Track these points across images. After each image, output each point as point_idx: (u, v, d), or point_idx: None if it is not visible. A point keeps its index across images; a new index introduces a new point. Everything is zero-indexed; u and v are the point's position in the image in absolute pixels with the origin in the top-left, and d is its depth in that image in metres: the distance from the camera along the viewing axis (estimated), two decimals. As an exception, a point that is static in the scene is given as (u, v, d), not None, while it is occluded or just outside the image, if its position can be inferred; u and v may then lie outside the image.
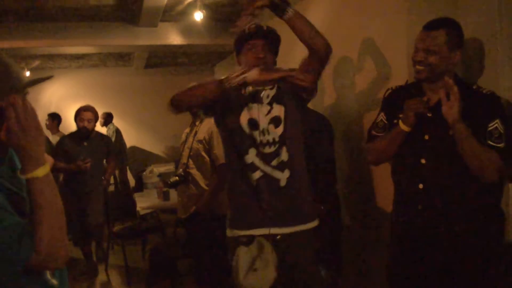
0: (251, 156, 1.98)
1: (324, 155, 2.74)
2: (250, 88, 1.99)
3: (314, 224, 2.04)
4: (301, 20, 1.87)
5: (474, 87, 1.86)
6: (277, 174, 1.97)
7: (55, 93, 7.64)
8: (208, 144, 3.19)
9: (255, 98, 2.02)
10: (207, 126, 3.22)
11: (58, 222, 1.17)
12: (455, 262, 1.82)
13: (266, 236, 1.94)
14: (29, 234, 1.11)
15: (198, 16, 4.65)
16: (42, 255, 1.11)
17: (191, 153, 3.23)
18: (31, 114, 1.18)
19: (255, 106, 2.01)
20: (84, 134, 4.27)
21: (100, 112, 6.73)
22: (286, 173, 1.97)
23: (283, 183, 1.97)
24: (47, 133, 6.26)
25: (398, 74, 2.62)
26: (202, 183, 3.19)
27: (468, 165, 1.73)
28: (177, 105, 1.99)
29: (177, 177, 3.24)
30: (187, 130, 3.42)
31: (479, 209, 1.82)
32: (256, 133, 1.99)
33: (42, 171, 1.16)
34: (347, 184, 3.25)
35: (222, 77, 1.87)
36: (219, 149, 3.14)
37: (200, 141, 3.21)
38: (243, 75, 1.82)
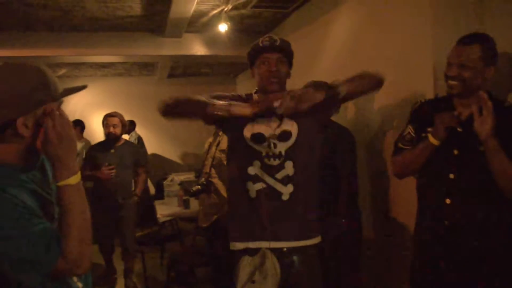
0: (255, 168, 1.95)
1: (346, 167, 2.74)
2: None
3: (316, 241, 1.99)
4: (352, 85, 1.90)
5: (506, 104, 1.84)
6: (279, 187, 1.93)
7: (80, 101, 7.80)
8: (230, 154, 3.22)
9: (267, 112, 1.96)
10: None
11: (86, 229, 1.20)
12: (479, 279, 1.80)
13: (272, 249, 1.90)
14: (57, 240, 1.14)
15: (223, 28, 4.72)
16: (69, 261, 1.14)
17: (214, 163, 3.27)
18: (67, 123, 1.23)
19: (263, 120, 1.97)
20: (111, 141, 4.19)
21: (123, 120, 6.91)
22: (290, 188, 1.93)
23: (285, 197, 1.92)
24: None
25: (423, 88, 2.62)
26: (224, 192, 3.23)
27: (497, 182, 1.71)
28: (166, 111, 1.99)
29: (199, 186, 3.29)
30: (210, 139, 3.47)
31: (507, 228, 1.79)
32: (261, 147, 1.95)
33: (75, 179, 1.20)
34: (369, 197, 3.24)
35: (210, 101, 1.89)
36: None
37: (223, 151, 3.24)
38: (227, 109, 1.86)
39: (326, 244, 2.62)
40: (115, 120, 4.15)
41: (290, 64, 2.05)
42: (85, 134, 6.44)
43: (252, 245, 1.93)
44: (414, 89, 2.73)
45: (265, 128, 1.96)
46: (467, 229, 1.81)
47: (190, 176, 6.84)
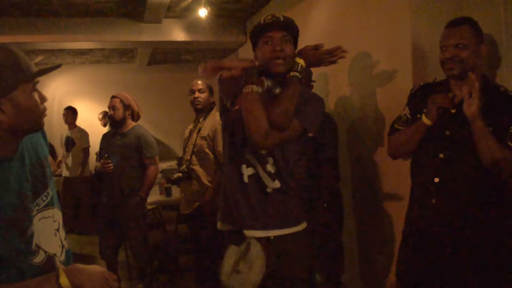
0: (248, 152, 1.87)
1: (327, 152, 2.74)
2: (269, 83, 1.82)
3: (301, 227, 1.93)
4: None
5: (502, 89, 1.87)
6: (266, 179, 1.86)
7: (58, 88, 7.65)
8: (212, 141, 3.19)
9: (267, 95, 1.85)
10: (211, 122, 3.23)
11: None
12: (466, 260, 1.82)
13: (258, 238, 1.84)
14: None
15: (203, 12, 4.65)
16: None
17: (195, 150, 3.24)
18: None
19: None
20: (115, 126, 3.74)
21: (102, 109, 6.75)
22: (276, 184, 1.86)
23: (269, 190, 1.86)
24: (64, 128, 6.30)
25: (402, 71, 2.63)
26: (205, 179, 3.20)
27: (484, 163, 1.74)
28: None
29: (180, 174, 3.25)
30: (191, 126, 3.43)
31: (493, 209, 1.82)
32: None
33: None
34: (350, 183, 3.25)
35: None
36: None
37: (203, 138, 3.21)
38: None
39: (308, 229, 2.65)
40: (115, 101, 3.66)
41: (295, 43, 1.94)
42: (63, 125, 6.30)
43: (241, 229, 1.87)
44: (393, 72, 2.74)
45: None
46: (453, 209, 1.84)
47: (172, 164, 6.79)
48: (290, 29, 1.88)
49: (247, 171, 1.86)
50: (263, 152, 1.85)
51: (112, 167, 3.56)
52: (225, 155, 2.02)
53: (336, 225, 2.81)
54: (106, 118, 6.25)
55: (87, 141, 6.29)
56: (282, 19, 1.85)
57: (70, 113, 6.24)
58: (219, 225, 1.97)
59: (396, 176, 2.72)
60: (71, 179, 6.09)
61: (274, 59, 1.81)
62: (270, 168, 1.86)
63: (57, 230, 1.38)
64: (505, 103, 1.80)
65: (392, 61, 2.76)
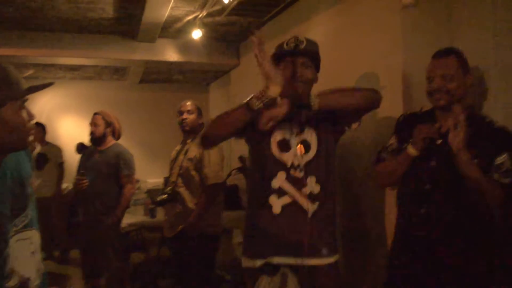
0: (280, 180, 1.82)
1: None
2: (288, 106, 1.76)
3: (335, 258, 1.89)
4: (329, 98, 1.79)
5: (487, 120, 1.87)
6: (305, 203, 1.80)
7: (48, 103, 7.57)
8: (198, 163, 3.14)
9: (290, 117, 1.82)
10: (199, 144, 3.18)
11: None
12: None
13: (292, 267, 1.78)
14: None
15: (197, 34, 4.66)
16: None
17: (181, 172, 3.19)
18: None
19: (287, 125, 1.84)
20: (95, 143, 3.69)
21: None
22: (315, 206, 1.82)
23: (310, 214, 1.80)
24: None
25: (392, 98, 2.63)
26: (190, 202, 3.14)
27: (471, 196, 1.73)
28: (208, 139, 1.89)
29: (165, 195, 3.19)
30: (178, 147, 3.38)
31: (480, 239, 1.80)
32: (287, 155, 1.83)
33: None
34: (342, 204, 3.21)
35: (247, 100, 1.69)
36: (209, 168, 3.10)
37: (190, 160, 3.16)
38: (267, 92, 1.63)
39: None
40: (97, 118, 3.65)
41: (317, 68, 1.94)
42: (51, 140, 6.19)
43: (276, 260, 1.80)
44: (384, 100, 2.73)
45: (290, 135, 1.85)
46: (440, 240, 1.83)
47: (159, 181, 6.72)
48: (312, 55, 1.89)
49: (279, 202, 1.80)
50: (301, 175, 1.80)
51: (86, 184, 3.51)
52: (249, 191, 1.99)
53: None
54: None
55: (61, 156, 5.85)
56: (304, 44, 1.86)
57: (40, 129, 5.86)
58: (245, 262, 1.88)
59: (384, 205, 2.69)
60: (43, 199, 5.36)
61: (293, 83, 1.80)
62: (310, 189, 1.81)
63: (34, 252, 1.33)
64: (490, 135, 1.80)
65: (383, 89, 2.76)
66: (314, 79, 1.91)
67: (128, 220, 4.39)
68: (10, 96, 1.15)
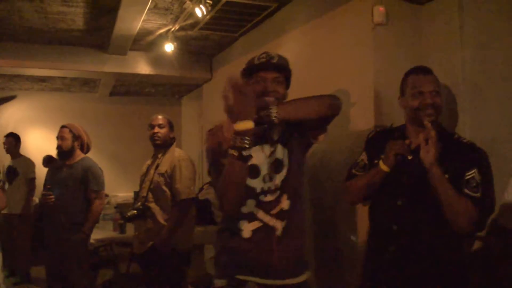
0: (250, 207, 1.77)
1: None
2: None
3: (306, 276, 1.85)
4: (288, 109, 1.74)
5: (455, 136, 1.91)
6: (274, 223, 1.76)
7: (14, 115, 7.36)
8: (169, 178, 3.10)
9: (263, 136, 1.80)
10: (170, 159, 3.14)
11: None
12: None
13: (261, 285, 1.76)
14: None
15: (169, 47, 4.63)
16: None
17: (152, 186, 3.13)
18: None
19: (257, 148, 1.78)
20: (62, 157, 3.58)
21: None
22: (284, 223, 1.78)
23: (279, 232, 1.77)
24: (6, 157, 5.65)
25: (364, 115, 2.67)
26: (161, 218, 3.08)
27: (443, 211, 1.73)
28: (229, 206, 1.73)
29: (135, 211, 3.12)
30: (149, 161, 3.33)
31: (449, 256, 1.82)
32: (256, 182, 1.78)
33: None
34: (310, 225, 3.21)
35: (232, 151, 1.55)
36: (181, 184, 3.06)
37: (161, 174, 3.11)
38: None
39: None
40: (64, 131, 3.56)
41: (287, 85, 1.90)
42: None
43: (241, 277, 1.77)
44: (356, 116, 2.77)
45: (259, 158, 1.78)
46: (411, 256, 1.83)
47: (129, 195, 6.60)
48: (283, 71, 1.85)
49: (249, 226, 1.76)
50: (272, 198, 1.77)
51: (53, 199, 3.42)
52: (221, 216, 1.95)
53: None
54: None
55: (33, 171, 5.42)
56: (275, 59, 1.82)
57: (13, 141, 5.52)
58: (216, 283, 1.83)
59: (356, 221, 2.70)
60: (9, 216, 5.18)
61: (264, 97, 1.74)
62: (281, 207, 1.77)
63: None
64: (459, 150, 1.83)
65: (354, 104, 2.80)
66: (285, 96, 1.88)
67: (96, 235, 4.27)
68: None
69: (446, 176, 1.74)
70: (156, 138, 3.19)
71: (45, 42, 5.04)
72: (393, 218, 1.88)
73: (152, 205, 3.10)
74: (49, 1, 3.77)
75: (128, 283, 4.41)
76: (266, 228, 1.77)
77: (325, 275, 3.10)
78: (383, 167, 1.87)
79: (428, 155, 1.72)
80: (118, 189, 7.19)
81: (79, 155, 3.59)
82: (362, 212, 2.41)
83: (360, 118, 2.73)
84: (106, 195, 4.74)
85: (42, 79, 6.75)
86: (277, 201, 1.78)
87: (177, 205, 3.06)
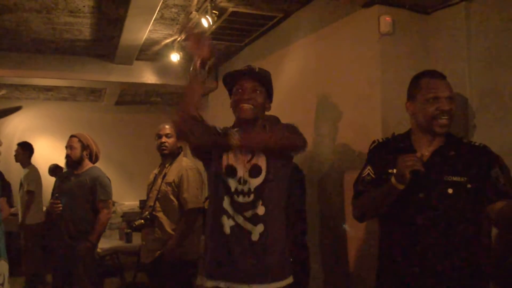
0: (226, 204, 1.87)
1: (295, 205, 2.69)
2: (235, 140, 1.80)
3: (286, 282, 1.87)
4: (249, 140, 1.82)
5: (465, 141, 1.84)
6: (248, 226, 1.83)
7: (20, 124, 7.40)
8: (177, 187, 3.10)
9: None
10: (177, 168, 3.15)
11: None
12: None
13: None
14: None
15: (175, 57, 4.65)
16: None
17: (159, 196, 3.13)
18: None
19: (237, 152, 1.88)
20: (71, 166, 3.59)
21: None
22: (260, 228, 1.83)
23: (255, 237, 1.83)
24: (15, 166, 5.62)
25: (373, 124, 2.66)
26: (168, 227, 3.08)
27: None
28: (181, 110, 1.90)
29: (142, 220, 3.12)
30: (156, 171, 3.33)
31: (476, 269, 1.74)
32: (231, 181, 1.87)
33: None
34: (318, 236, 3.20)
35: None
36: (188, 193, 3.06)
37: (169, 184, 3.11)
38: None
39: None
40: (73, 140, 3.56)
41: (269, 96, 1.98)
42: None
43: (223, 285, 1.83)
44: (363, 125, 2.77)
45: (238, 161, 1.89)
46: (439, 277, 1.71)
47: (135, 203, 6.60)
48: (263, 80, 1.92)
49: (228, 222, 1.85)
50: (246, 200, 1.84)
51: (60, 208, 3.43)
52: (208, 210, 2.02)
53: (303, 279, 2.73)
54: None
55: (34, 184, 5.28)
56: (256, 70, 1.91)
57: (20, 150, 5.45)
58: (198, 280, 1.90)
59: (364, 232, 2.70)
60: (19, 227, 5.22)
61: (241, 104, 1.86)
62: (255, 211, 1.83)
63: (2, 284, 1.27)
64: (475, 155, 1.74)
65: (362, 113, 2.80)
66: (267, 107, 1.97)
67: (103, 244, 4.27)
68: None
69: (469, 185, 1.67)
70: (163, 147, 3.20)
71: (51, 52, 5.09)
72: (414, 237, 1.75)
73: (160, 214, 3.10)
74: (56, 12, 3.81)
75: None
76: (240, 229, 1.84)
77: (335, 284, 3.09)
78: (398, 185, 1.68)
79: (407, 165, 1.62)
80: (124, 198, 7.19)
81: (87, 164, 3.61)
82: (370, 225, 2.40)
83: (367, 129, 2.73)
84: (114, 203, 4.74)
85: (49, 89, 6.80)
86: (252, 205, 1.85)
87: (185, 214, 3.06)
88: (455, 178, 1.71)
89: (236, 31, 4.15)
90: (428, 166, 1.70)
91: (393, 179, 1.70)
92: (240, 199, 1.86)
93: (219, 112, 5.57)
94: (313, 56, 3.39)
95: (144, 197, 3.36)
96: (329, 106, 3.08)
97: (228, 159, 1.90)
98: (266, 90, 1.95)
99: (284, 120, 2.82)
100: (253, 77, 1.90)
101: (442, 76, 1.81)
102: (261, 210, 1.84)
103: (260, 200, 1.85)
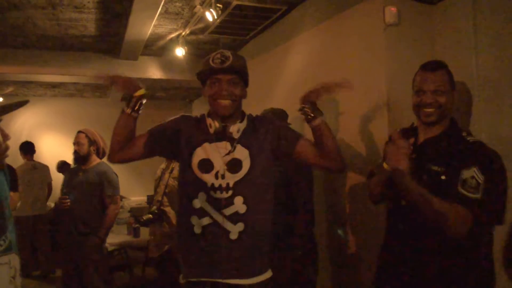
0: (200, 201, 1.75)
1: (302, 199, 2.70)
2: (216, 124, 1.78)
3: (266, 276, 1.81)
4: (328, 131, 1.79)
5: (463, 134, 1.83)
6: (228, 225, 1.73)
7: (28, 121, 7.46)
8: (184, 182, 3.11)
9: (221, 134, 1.80)
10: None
11: None
12: None
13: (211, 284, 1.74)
14: None
15: (180, 52, 4.66)
16: None
17: (167, 190, 3.15)
18: None
19: (215, 145, 1.79)
20: (79, 162, 3.63)
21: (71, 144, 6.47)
22: (240, 226, 1.74)
23: (234, 236, 1.73)
24: (20, 163, 5.69)
25: (378, 116, 2.65)
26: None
27: (426, 217, 1.67)
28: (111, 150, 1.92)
29: (150, 215, 3.14)
30: (163, 165, 3.35)
31: (461, 251, 1.74)
32: (207, 176, 1.76)
33: None
34: (325, 230, 3.21)
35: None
36: (195, 187, 3.07)
37: (176, 178, 3.12)
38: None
39: (282, 278, 2.57)
40: (80, 136, 3.59)
41: (245, 83, 1.85)
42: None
43: (193, 279, 1.77)
44: (368, 118, 2.76)
45: (215, 154, 1.78)
46: (418, 255, 1.78)
47: (142, 199, 6.64)
48: (238, 72, 1.81)
49: (199, 222, 1.75)
50: (224, 196, 1.74)
51: (69, 204, 3.45)
52: (177, 209, 1.96)
53: (311, 271, 2.74)
54: None
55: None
56: (231, 60, 1.77)
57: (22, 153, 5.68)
58: (181, 278, 1.84)
59: (370, 222, 2.70)
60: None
61: (220, 100, 1.77)
62: (235, 209, 1.74)
63: (13, 277, 1.28)
64: (461, 149, 1.75)
65: (367, 105, 2.79)
66: (243, 95, 1.84)
67: (111, 239, 4.29)
68: None
69: (443, 177, 1.68)
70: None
71: (57, 48, 5.11)
72: (399, 218, 1.87)
73: (168, 209, 3.12)
74: (62, 8, 3.82)
75: (143, 287, 4.44)
76: (217, 227, 1.74)
77: (341, 278, 3.10)
78: (385, 165, 1.76)
79: (392, 161, 1.65)
80: (132, 193, 7.23)
81: (95, 160, 3.62)
82: (376, 216, 2.40)
83: (373, 121, 2.72)
84: (122, 198, 4.77)
85: (55, 85, 6.84)
86: (230, 202, 1.74)
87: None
88: (433, 167, 1.74)
89: (240, 24, 4.14)
90: (418, 152, 1.79)
91: (384, 162, 1.78)
92: (218, 194, 1.75)
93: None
94: (317, 49, 3.38)
95: (151, 193, 3.38)
96: (334, 98, 3.07)
97: (203, 153, 1.79)
98: (242, 79, 1.83)
99: (290, 113, 2.83)
100: (228, 71, 1.77)
101: (434, 69, 1.82)
102: (242, 209, 1.75)
103: (240, 197, 1.75)
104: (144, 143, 1.88)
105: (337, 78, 3.04)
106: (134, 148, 1.88)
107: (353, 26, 2.95)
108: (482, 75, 2.43)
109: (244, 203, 1.74)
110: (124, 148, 1.87)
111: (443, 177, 1.70)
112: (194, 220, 1.76)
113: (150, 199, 3.61)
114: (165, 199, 3.15)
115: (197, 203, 1.75)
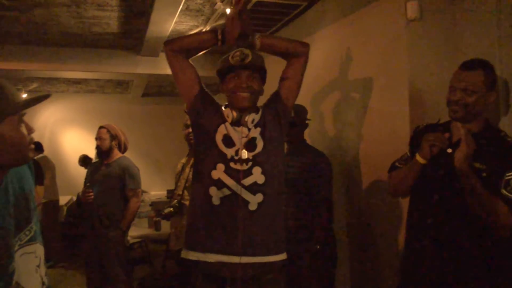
0: (219, 172, 1.81)
1: (321, 193, 2.71)
2: (234, 114, 1.87)
3: (282, 257, 1.86)
4: (270, 39, 1.96)
5: (502, 133, 1.84)
6: (247, 195, 1.79)
7: (51, 116, 7.61)
8: (205, 176, 3.14)
9: (238, 123, 1.89)
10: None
11: None
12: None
13: (233, 271, 1.76)
14: None
15: (200, 48, 4.69)
16: None
17: (187, 184, 3.18)
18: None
19: (234, 129, 1.88)
20: (101, 156, 3.73)
21: (94, 139, 6.58)
22: (259, 197, 1.80)
23: (253, 207, 1.79)
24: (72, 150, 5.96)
25: (400, 113, 2.64)
26: (197, 215, 3.13)
27: (476, 213, 1.70)
28: (172, 42, 1.98)
29: (171, 209, 3.18)
30: (184, 160, 3.39)
31: (486, 250, 1.76)
32: (228, 150, 1.84)
33: None
34: (345, 224, 3.21)
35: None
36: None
37: (196, 172, 3.17)
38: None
39: (301, 269, 2.60)
40: (102, 132, 3.68)
41: (263, 80, 1.97)
42: (54, 153, 6.19)
43: (210, 258, 1.78)
44: (390, 113, 2.75)
45: (235, 134, 1.87)
46: (446, 250, 1.80)
47: (162, 193, 6.73)
48: (257, 69, 1.91)
49: (218, 193, 1.80)
50: (243, 168, 1.81)
51: (92, 197, 3.52)
52: (192, 183, 1.98)
53: (330, 265, 2.76)
54: None
55: None
56: (249, 59, 1.86)
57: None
58: (184, 253, 1.87)
59: (390, 218, 2.70)
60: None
61: (239, 93, 1.86)
62: (254, 179, 1.81)
63: (38, 266, 1.32)
64: (502, 150, 1.76)
65: (389, 101, 2.78)
66: (261, 91, 1.95)
67: (131, 232, 4.37)
68: (7, 111, 1.13)
69: (484, 174, 1.70)
70: (191, 137, 3.24)
71: (80, 45, 5.21)
72: (428, 212, 1.87)
73: (188, 202, 3.16)
74: (85, 6, 3.89)
75: (164, 280, 4.50)
76: (235, 198, 1.78)
77: (360, 273, 3.10)
78: (419, 158, 1.84)
79: (458, 154, 1.68)
80: (152, 187, 7.33)
81: (116, 154, 3.71)
82: (396, 209, 2.40)
83: (395, 116, 2.71)
84: (143, 192, 4.86)
85: (78, 82, 6.96)
86: (249, 172, 1.81)
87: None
88: (475, 164, 1.73)
89: (261, 20, 4.15)
90: (455, 148, 1.76)
91: (417, 154, 1.86)
92: (237, 166, 1.82)
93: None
94: (338, 45, 3.37)
95: (170, 187, 3.42)
96: (355, 94, 3.07)
97: (227, 130, 1.88)
98: (260, 75, 1.94)
99: (309, 109, 2.84)
100: (247, 67, 1.87)
101: (470, 68, 1.83)
102: (260, 179, 1.82)
103: (258, 167, 1.83)
104: (195, 76, 1.98)
105: (357, 74, 3.06)
106: (188, 64, 1.99)
107: (374, 22, 2.93)
108: (505, 68, 2.38)
109: (262, 173, 1.82)
110: (183, 53, 1.97)
111: (484, 174, 1.71)
112: (212, 191, 1.81)
113: (170, 194, 3.66)
114: (186, 193, 3.18)
115: (216, 174, 1.82)
